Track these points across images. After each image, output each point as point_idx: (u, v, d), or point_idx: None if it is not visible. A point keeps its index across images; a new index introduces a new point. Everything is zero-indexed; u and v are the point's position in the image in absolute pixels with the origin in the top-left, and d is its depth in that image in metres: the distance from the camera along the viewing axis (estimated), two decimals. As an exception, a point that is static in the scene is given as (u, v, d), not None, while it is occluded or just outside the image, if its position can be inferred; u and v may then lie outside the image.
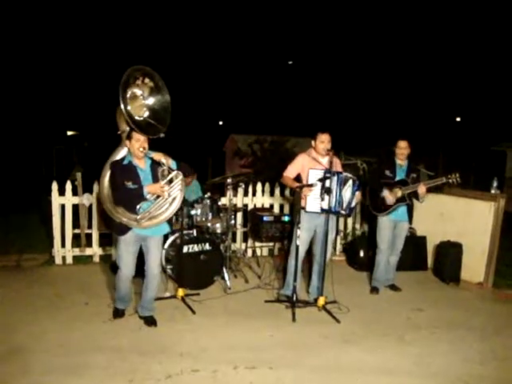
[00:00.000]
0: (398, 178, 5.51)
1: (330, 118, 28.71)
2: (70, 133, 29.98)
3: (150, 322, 4.47)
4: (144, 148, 4.11)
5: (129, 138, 4.16)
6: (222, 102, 36.65)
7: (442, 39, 35.18)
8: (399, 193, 5.42)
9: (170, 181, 4.18)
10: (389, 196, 5.45)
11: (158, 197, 4.15)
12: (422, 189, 5.34)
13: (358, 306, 5.13)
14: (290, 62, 37.38)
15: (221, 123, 37.04)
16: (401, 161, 5.55)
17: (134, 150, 4.13)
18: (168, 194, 4.14)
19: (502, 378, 3.79)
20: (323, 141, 4.94)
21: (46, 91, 30.06)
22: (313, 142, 5.06)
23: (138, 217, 4.11)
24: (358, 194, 4.99)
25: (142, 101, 4.32)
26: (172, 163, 4.22)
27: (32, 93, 29.35)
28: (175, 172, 4.18)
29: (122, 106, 4.06)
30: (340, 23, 38.84)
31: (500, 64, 30.59)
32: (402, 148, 5.49)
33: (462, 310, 5.19)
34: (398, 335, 4.47)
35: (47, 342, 4.04)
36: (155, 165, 4.23)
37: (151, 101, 4.36)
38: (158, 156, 4.15)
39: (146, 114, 4.33)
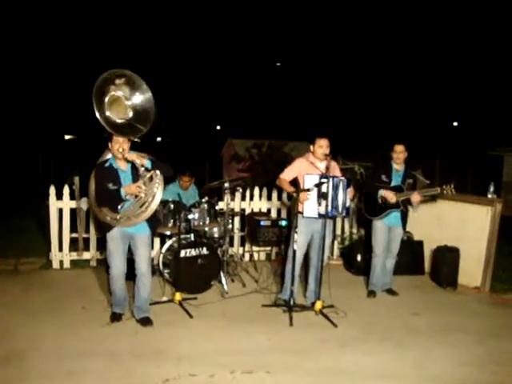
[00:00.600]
0: (394, 183, 5.51)
1: (328, 122, 28.79)
2: (67, 137, 29.98)
3: (146, 322, 4.48)
4: (123, 149, 4.19)
5: (109, 139, 4.27)
6: (220, 107, 36.71)
7: (439, 42, 35.34)
8: (394, 199, 5.42)
9: (150, 180, 4.24)
10: (388, 194, 5.40)
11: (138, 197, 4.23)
12: (416, 197, 5.34)
13: (355, 310, 5.13)
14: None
15: (218, 128, 37.07)
16: (397, 165, 5.54)
17: (114, 151, 4.23)
18: (144, 194, 4.19)
19: (500, 382, 3.80)
20: (322, 145, 4.95)
21: (43, 95, 30.07)
22: (311, 147, 5.06)
23: (118, 216, 4.21)
24: (349, 190, 5.01)
25: (124, 101, 4.32)
26: (147, 162, 4.26)
27: (30, 97, 29.35)
28: (152, 171, 4.24)
29: (97, 114, 4.14)
30: (338, 27, 38.96)
31: (496, 69, 30.72)
32: (399, 152, 5.47)
33: (460, 315, 5.19)
34: (396, 339, 4.47)
35: (44, 347, 4.03)
36: (132, 163, 4.30)
37: (133, 99, 4.34)
38: (132, 156, 4.21)
39: (130, 114, 4.32)
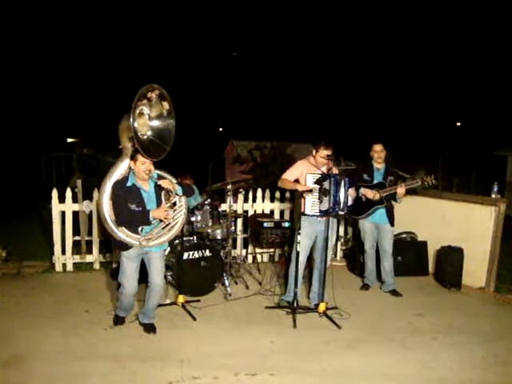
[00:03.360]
0: (375, 182, 5.64)
1: (330, 123, 28.79)
2: (69, 140, 30.05)
3: (150, 329, 4.45)
4: (150, 171, 4.04)
5: (133, 159, 4.06)
6: (222, 109, 36.78)
7: (442, 41, 35.36)
8: (377, 196, 5.51)
9: (174, 203, 4.19)
10: (368, 192, 5.52)
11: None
12: (401, 188, 5.43)
13: (359, 312, 5.12)
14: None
15: (221, 129, 37.12)
16: (378, 164, 5.68)
17: (139, 172, 4.04)
18: (172, 219, 4.16)
19: (505, 383, 3.77)
20: (324, 157, 4.95)
21: (46, 98, 30.15)
22: (314, 151, 5.06)
23: (141, 239, 4.10)
24: (351, 190, 5.05)
25: (146, 120, 4.18)
26: (178, 189, 4.20)
27: (32, 100, 29.44)
28: (179, 197, 4.19)
29: (131, 120, 3.89)
30: (341, 27, 38.99)
31: (499, 69, 30.68)
32: (379, 151, 5.62)
33: (464, 315, 5.17)
34: (400, 340, 4.45)
35: (47, 350, 4.02)
36: (159, 186, 4.15)
37: (156, 123, 4.22)
38: (166, 184, 4.07)
39: (149, 133, 4.20)
